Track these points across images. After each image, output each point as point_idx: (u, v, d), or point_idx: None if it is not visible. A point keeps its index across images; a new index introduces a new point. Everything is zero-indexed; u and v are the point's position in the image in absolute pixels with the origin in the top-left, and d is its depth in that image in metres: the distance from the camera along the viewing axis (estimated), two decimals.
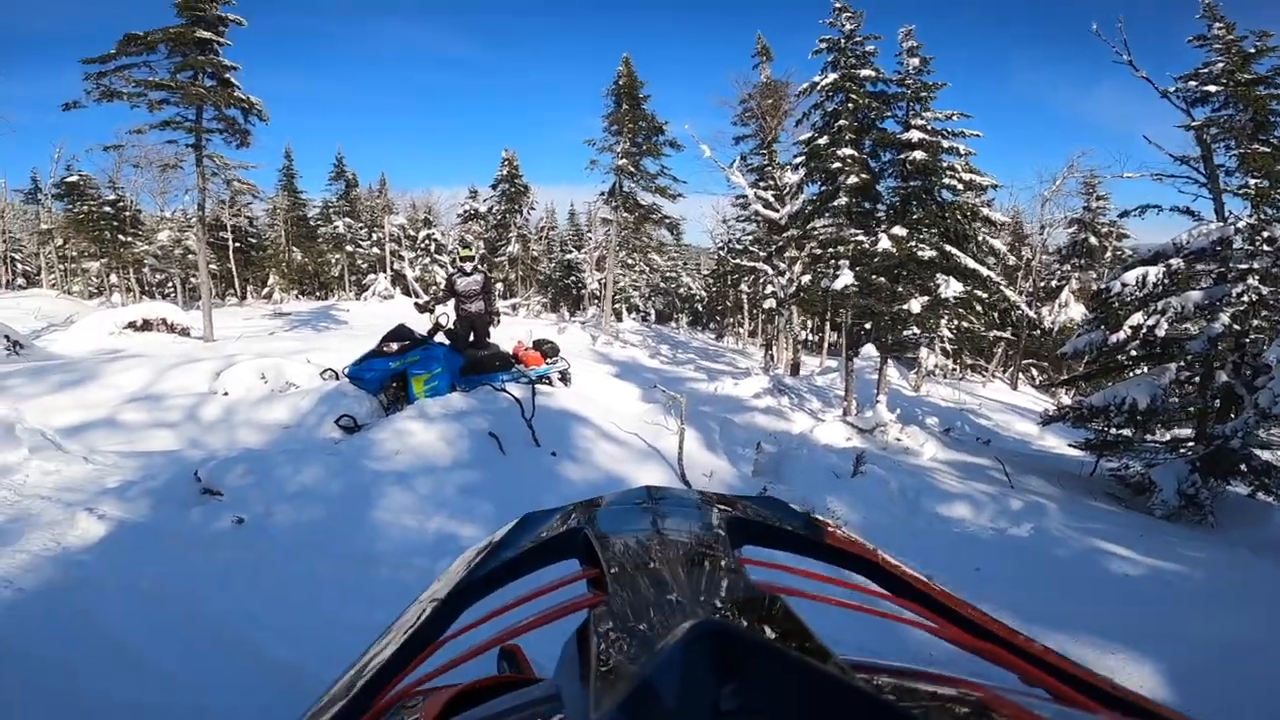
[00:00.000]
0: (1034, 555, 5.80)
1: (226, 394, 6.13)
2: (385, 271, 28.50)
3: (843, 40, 11.34)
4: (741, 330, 31.38)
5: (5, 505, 3.55)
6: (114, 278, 27.34)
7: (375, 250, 31.15)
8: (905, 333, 11.06)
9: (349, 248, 31.09)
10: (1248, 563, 6.28)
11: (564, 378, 7.77)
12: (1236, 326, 7.81)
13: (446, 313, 6.93)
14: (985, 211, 11.04)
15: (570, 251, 35.16)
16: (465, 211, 31.96)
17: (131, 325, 12.48)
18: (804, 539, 0.60)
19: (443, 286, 7.20)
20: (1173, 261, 8.34)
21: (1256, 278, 7.69)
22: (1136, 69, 9.13)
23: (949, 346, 18.65)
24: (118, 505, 3.56)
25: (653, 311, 35.81)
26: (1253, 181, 8.26)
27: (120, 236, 25.48)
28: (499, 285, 30.40)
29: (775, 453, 8.36)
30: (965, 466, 8.80)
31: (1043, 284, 22.50)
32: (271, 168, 32.11)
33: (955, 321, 11.13)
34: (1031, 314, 19.55)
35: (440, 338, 6.68)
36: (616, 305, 30.40)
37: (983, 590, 4.13)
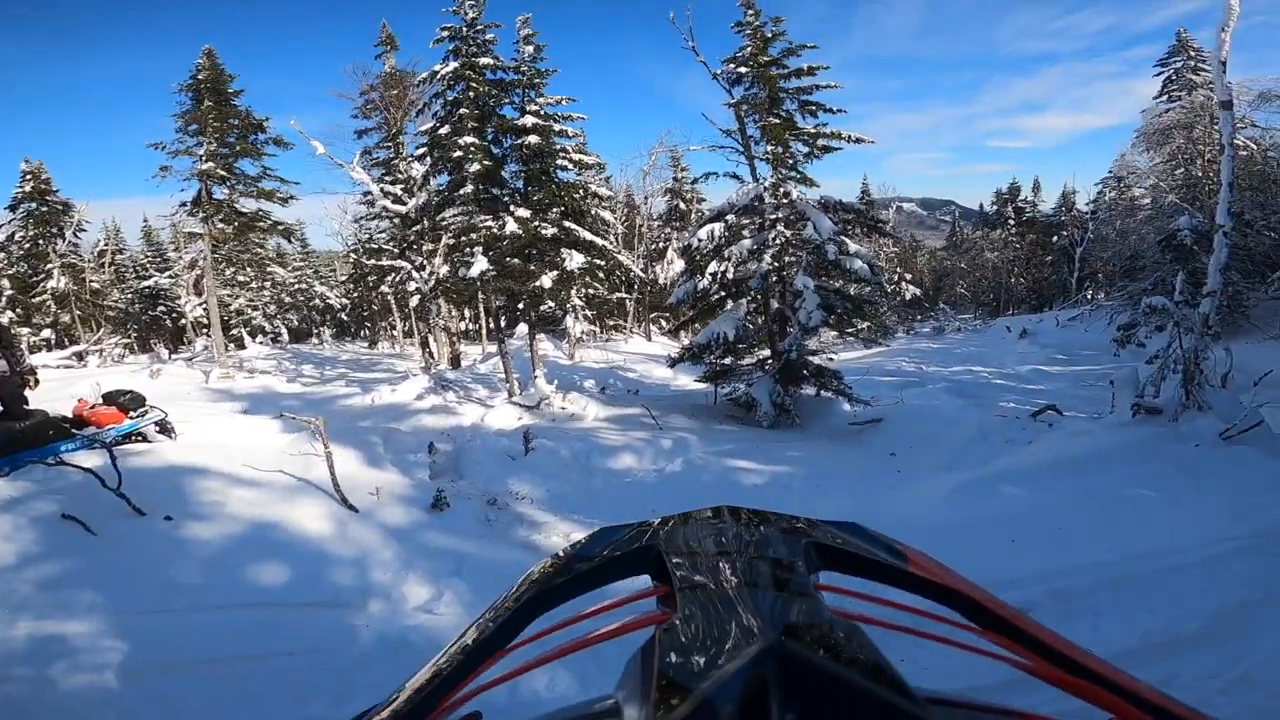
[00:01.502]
0: (688, 486, 6.96)
1: None
2: None
3: (465, 29, 11.34)
4: (395, 333, 29.70)
5: None
6: None
7: None
8: (544, 308, 11.88)
9: None
10: (828, 451, 8.54)
11: (165, 429, 6.34)
12: (776, 264, 10.39)
13: None
14: (595, 188, 12.43)
15: (150, 276, 28.26)
16: None
17: None
18: (886, 566, 0.57)
19: None
20: (729, 218, 10.62)
21: (782, 224, 10.31)
22: (698, 54, 10.93)
23: (588, 313, 20.72)
24: None
25: (285, 331, 31.24)
26: (769, 148, 10.83)
27: None
28: (45, 333, 22.87)
29: (451, 450, 8.25)
30: (622, 419, 9.98)
31: (654, 246, 26.55)
32: None
33: (584, 290, 12.36)
34: (644, 275, 22.91)
35: None
36: (234, 331, 25.77)
37: None
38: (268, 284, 30.15)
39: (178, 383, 12.78)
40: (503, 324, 12.94)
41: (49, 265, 22.87)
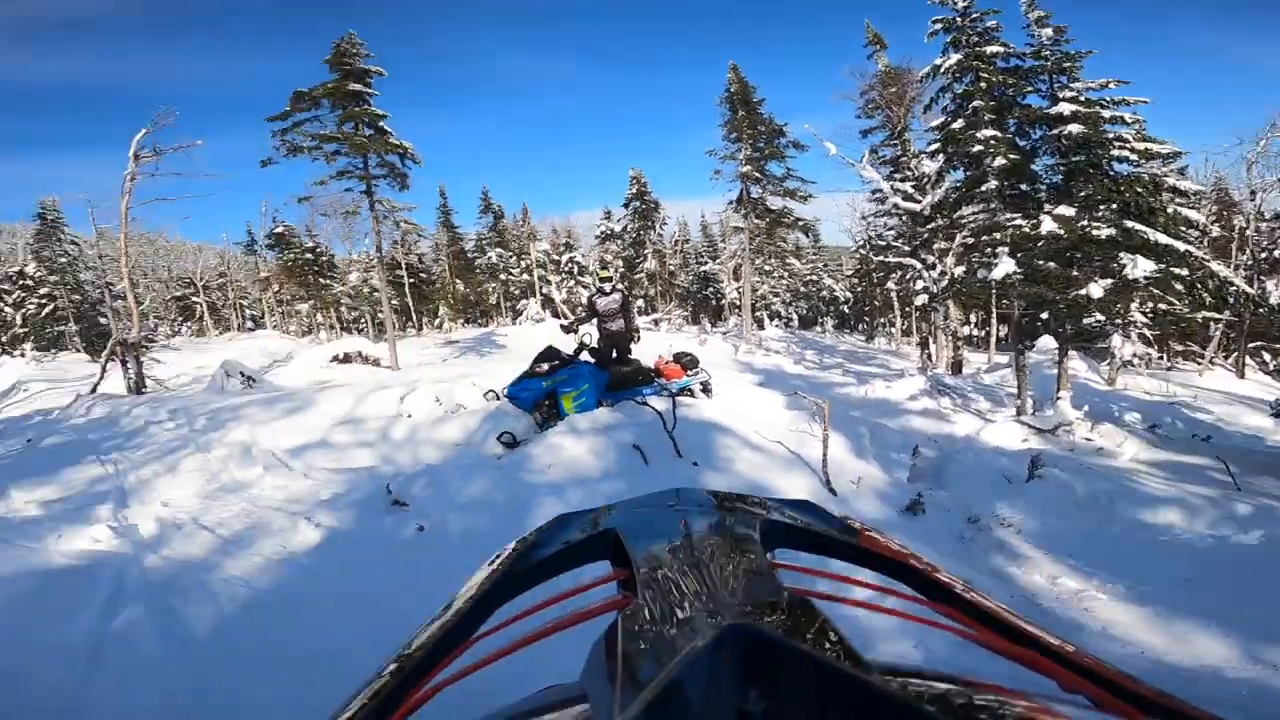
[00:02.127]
0: (1265, 565, 4.88)
1: (410, 416, 6.96)
2: (535, 296, 30.57)
3: (959, 19, 10.60)
4: (894, 330, 29.55)
5: (244, 515, 4.33)
6: (319, 317, 31.97)
7: (525, 276, 33.53)
8: (1087, 320, 9.79)
9: (502, 276, 33.77)
10: None
11: (705, 389, 7.85)
12: None
13: (590, 332, 7.32)
14: (1173, 181, 9.53)
15: (705, 263, 35.38)
16: (602, 232, 33.43)
17: (335, 359, 14.55)
18: (838, 542, 0.59)
19: (585, 307, 7.63)
20: None
21: None
22: None
23: (1148, 333, 16.16)
24: (330, 515, 4.20)
25: (795, 317, 34.88)
26: None
27: (320, 280, 29.77)
28: (639, 302, 31.28)
29: (935, 457, 7.77)
30: (1176, 467, 7.58)
31: (1264, 255, 18.81)
32: (430, 207, 35.80)
33: (1150, 304, 9.66)
34: (1252, 290, 16.40)
35: (585, 356, 7.06)
36: (757, 313, 29.95)
37: (1195, 603, 3.59)
38: (786, 274, 34.10)
39: (715, 352, 15.67)
40: (1020, 333, 11.30)
41: (645, 251, 31.11)
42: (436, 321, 34.74)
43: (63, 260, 29.56)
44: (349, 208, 17.53)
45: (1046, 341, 12.13)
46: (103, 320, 24.25)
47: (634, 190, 31.22)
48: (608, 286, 7.44)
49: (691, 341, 16.96)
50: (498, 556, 0.59)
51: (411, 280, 32.55)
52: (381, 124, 15.07)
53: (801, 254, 34.88)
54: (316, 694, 2.65)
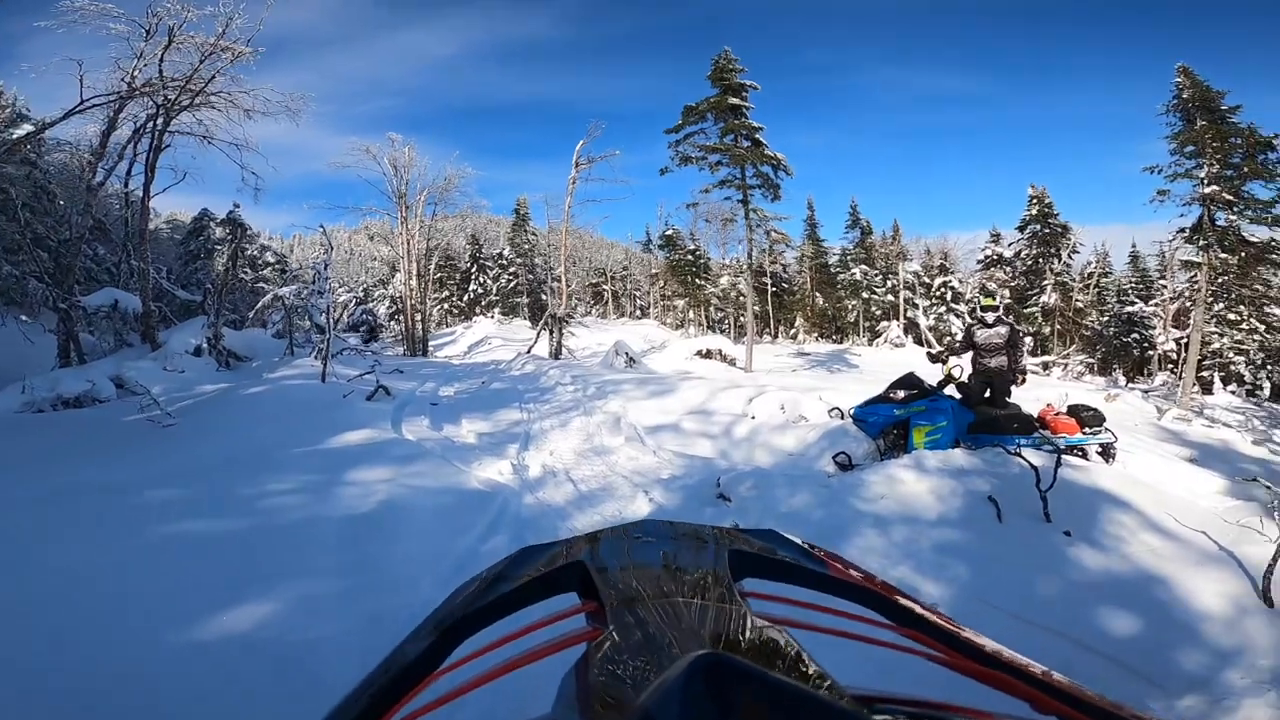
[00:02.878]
0: None
1: (754, 418, 7.24)
2: (898, 319, 28.71)
3: None
4: None
5: (601, 476, 5.07)
6: (692, 313, 35.76)
7: (889, 297, 31.73)
8: None
9: (864, 294, 32.58)
10: None
11: (1106, 453, 6.31)
12: None
13: (961, 365, 6.51)
14: None
15: (1133, 303, 28.16)
16: (987, 257, 29.39)
17: (698, 353, 16.12)
18: (806, 571, 0.59)
19: (959, 337, 6.80)
20: None
21: None
22: None
23: None
24: (662, 493, 4.64)
25: (1267, 385, 25.28)
26: None
27: (696, 280, 33.21)
28: (1027, 339, 26.70)
29: None
30: None
31: None
32: (798, 219, 36.44)
33: None
34: None
35: (951, 390, 6.32)
36: (1204, 373, 22.79)
37: None
38: (1262, 327, 24.90)
39: (1128, 412, 12.47)
40: None
41: (1044, 281, 26.29)
42: (792, 332, 35.48)
43: (526, 247, 39.25)
44: (726, 215, 19.14)
45: None
46: (544, 297, 31.41)
47: (1034, 211, 26.65)
48: (990, 317, 6.50)
49: (1094, 394, 13.79)
50: (462, 588, 0.58)
51: (774, 289, 33.89)
52: (757, 136, 16.03)
53: None
54: None
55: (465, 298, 39.19)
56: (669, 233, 34.06)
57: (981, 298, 6.91)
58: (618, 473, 5.37)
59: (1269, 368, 25.90)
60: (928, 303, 29.25)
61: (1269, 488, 4.95)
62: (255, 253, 23.34)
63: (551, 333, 16.92)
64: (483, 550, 3.79)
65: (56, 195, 13.75)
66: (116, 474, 4.71)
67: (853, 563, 0.62)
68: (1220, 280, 16.20)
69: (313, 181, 65.90)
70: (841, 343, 31.39)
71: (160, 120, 12.82)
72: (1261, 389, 24.65)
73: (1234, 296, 18.66)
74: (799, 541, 0.65)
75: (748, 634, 0.45)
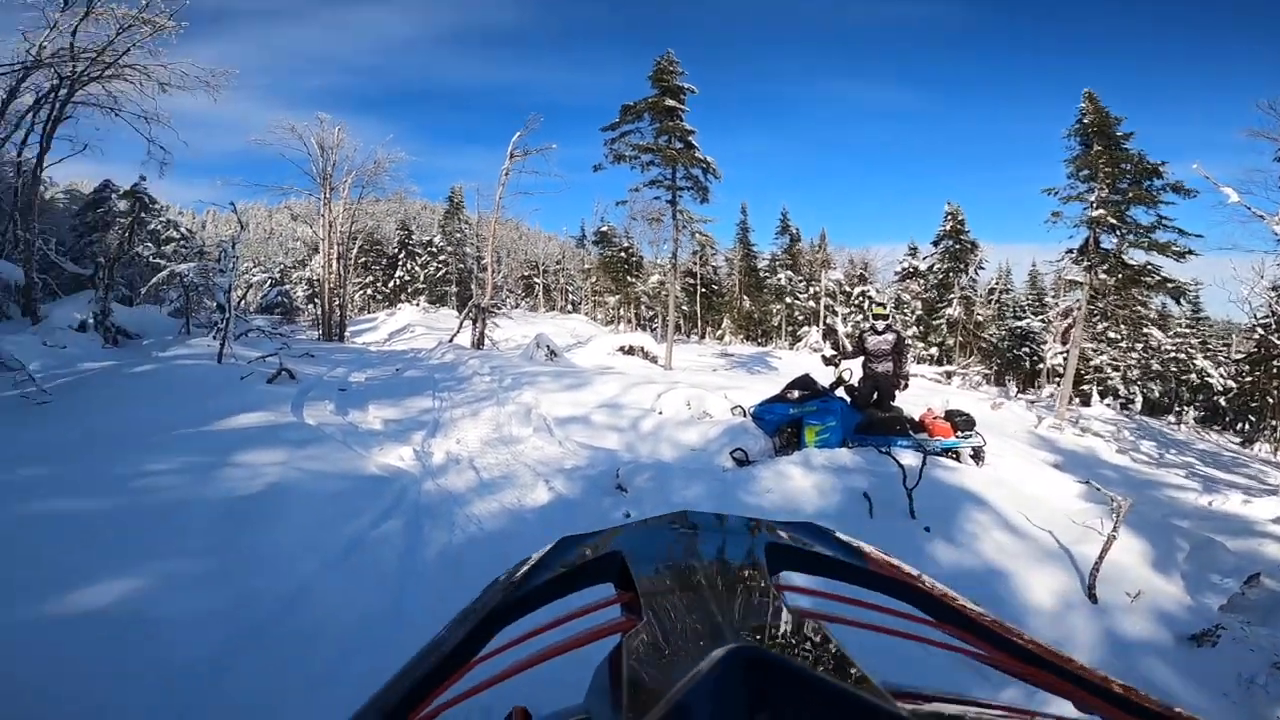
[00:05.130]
0: None
1: (661, 413, 7.46)
2: (818, 325, 29.91)
3: None
4: None
5: (504, 465, 5.15)
6: (622, 310, 35.95)
7: (811, 304, 32.99)
8: None
9: (788, 299, 33.75)
10: None
11: (976, 456, 6.87)
12: None
13: (851, 368, 6.94)
14: None
15: (1025, 318, 30.49)
16: (904, 269, 31.09)
17: (621, 349, 16.29)
18: (845, 565, 0.58)
19: (853, 342, 7.25)
20: None
21: None
22: None
23: None
24: (564, 483, 4.77)
25: (1139, 398, 27.96)
26: None
27: (628, 277, 33.43)
28: (932, 350, 28.40)
29: None
30: None
31: None
32: (729, 222, 37.36)
33: None
34: None
35: (841, 392, 6.73)
36: (1084, 386, 24.95)
37: None
38: (1139, 346, 27.53)
39: (1009, 419, 13.52)
40: None
41: (950, 295, 28.05)
42: (719, 333, 36.30)
43: (457, 235, 38.35)
44: (655, 214, 19.45)
45: None
46: (473, 286, 30.77)
47: (948, 226, 28.38)
48: (880, 325, 6.96)
49: (981, 403, 14.87)
50: (501, 577, 0.58)
51: (703, 290, 34.57)
52: (690, 139, 16.43)
53: (1167, 323, 27.86)
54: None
55: (390, 284, 37.91)
56: (604, 229, 34.13)
57: (874, 306, 7.38)
58: (522, 461, 5.44)
59: (1142, 383, 28.66)
60: (846, 310, 30.63)
61: (1098, 489, 5.57)
62: (159, 227, 21.78)
63: (475, 323, 16.70)
64: (372, 535, 3.80)
65: None
66: None
67: (893, 558, 0.62)
68: (1101, 301, 17.69)
69: (238, 157, 61.96)
70: (765, 345, 32.38)
71: (64, 91, 11.91)
72: (1134, 403, 27.23)
73: (1114, 316, 20.46)
74: (838, 535, 0.64)
75: (783, 627, 0.44)
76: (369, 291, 37.87)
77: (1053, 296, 29.21)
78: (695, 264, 32.66)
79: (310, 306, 29.25)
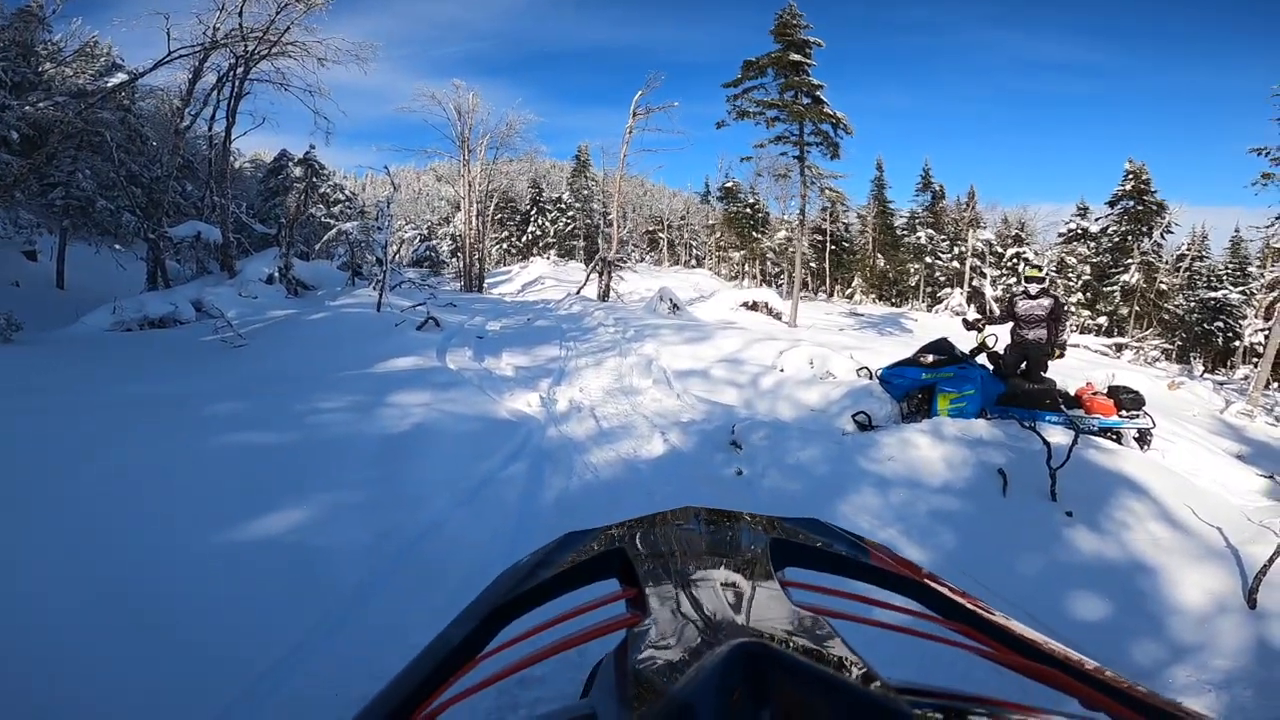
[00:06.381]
0: None
1: (782, 370, 7.33)
2: (962, 287, 27.59)
3: None
4: None
5: (623, 415, 5.33)
6: (747, 266, 35.24)
7: (955, 264, 30.40)
8: None
9: (928, 259, 31.31)
10: None
11: (1142, 439, 6.14)
12: None
13: (996, 334, 6.40)
14: None
15: (1221, 288, 26.12)
16: (1069, 230, 27.61)
17: (744, 305, 16.05)
18: (849, 560, 0.58)
19: (1003, 306, 6.65)
20: None
21: None
22: None
23: None
24: (679, 435, 4.86)
25: None
26: None
27: (754, 233, 32.60)
28: (1100, 320, 25.22)
29: None
30: None
31: None
32: (864, 178, 34.93)
33: None
34: None
35: (983, 359, 6.24)
36: None
37: None
38: None
39: (1190, 402, 11.87)
40: None
41: (1128, 260, 24.62)
42: (848, 292, 34.59)
43: (585, 192, 39.23)
44: (782, 170, 18.67)
45: None
46: (599, 241, 31.57)
47: (1128, 186, 24.67)
48: (1034, 289, 6.31)
49: (1156, 381, 13.13)
50: (507, 573, 0.58)
51: (832, 247, 32.95)
52: (818, 94, 15.47)
53: None
54: None
55: (524, 239, 39.74)
56: (729, 185, 33.33)
57: (1028, 269, 6.69)
58: (640, 413, 5.62)
59: None
60: (996, 273, 27.89)
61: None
62: (328, 190, 24.26)
63: (601, 276, 17.15)
64: (500, 476, 4.10)
65: (149, 138, 14.86)
66: (187, 386, 5.24)
67: (899, 554, 0.61)
68: None
69: (386, 123, 67.10)
70: (899, 306, 30.46)
71: (241, 69, 13.50)
72: None
73: None
74: (843, 531, 0.63)
75: (787, 623, 0.45)
76: (504, 246, 39.97)
77: (1258, 266, 24.74)
78: (825, 220, 31.12)
79: (454, 260, 31.44)
